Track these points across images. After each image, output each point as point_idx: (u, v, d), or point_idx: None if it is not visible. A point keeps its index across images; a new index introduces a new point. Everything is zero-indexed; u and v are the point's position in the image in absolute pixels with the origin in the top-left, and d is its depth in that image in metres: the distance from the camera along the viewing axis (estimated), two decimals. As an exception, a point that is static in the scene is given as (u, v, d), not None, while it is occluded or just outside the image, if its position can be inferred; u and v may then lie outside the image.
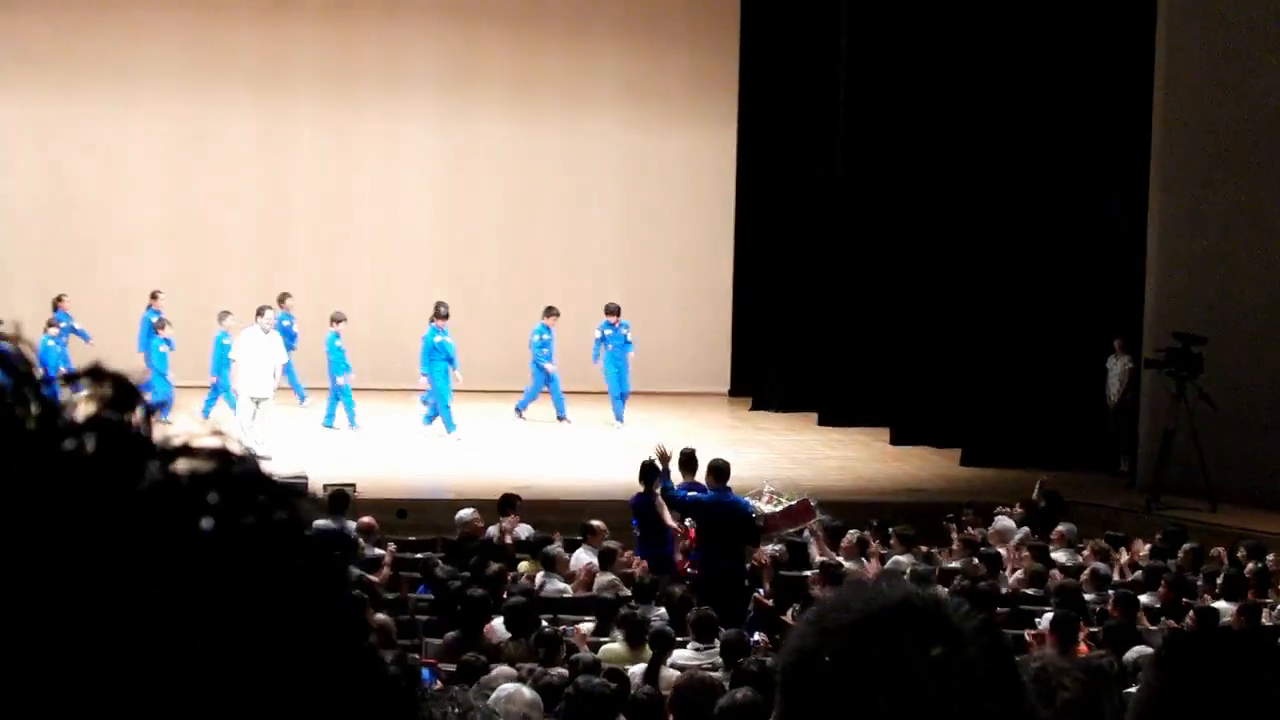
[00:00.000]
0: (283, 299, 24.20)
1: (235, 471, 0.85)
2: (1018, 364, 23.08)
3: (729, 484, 16.05)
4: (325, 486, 17.30)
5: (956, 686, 1.73)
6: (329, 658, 0.85)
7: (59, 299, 24.70)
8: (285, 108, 28.19)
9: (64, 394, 0.85)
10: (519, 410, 25.62)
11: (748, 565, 15.61)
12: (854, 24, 25.68)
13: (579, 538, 16.29)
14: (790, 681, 1.82)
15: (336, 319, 24.31)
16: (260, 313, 22.12)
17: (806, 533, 16.67)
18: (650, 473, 16.30)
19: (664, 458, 15.89)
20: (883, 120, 25.06)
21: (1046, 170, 23.23)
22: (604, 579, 14.88)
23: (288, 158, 28.23)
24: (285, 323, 23.90)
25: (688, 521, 16.07)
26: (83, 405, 0.84)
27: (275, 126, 28.15)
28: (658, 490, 15.96)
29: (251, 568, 0.83)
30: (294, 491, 0.87)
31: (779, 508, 16.59)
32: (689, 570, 15.88)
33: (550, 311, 25.35)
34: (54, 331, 23.71)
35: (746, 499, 16.24)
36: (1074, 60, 22.96)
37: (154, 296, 24.87)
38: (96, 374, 0.86)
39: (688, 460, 16.55)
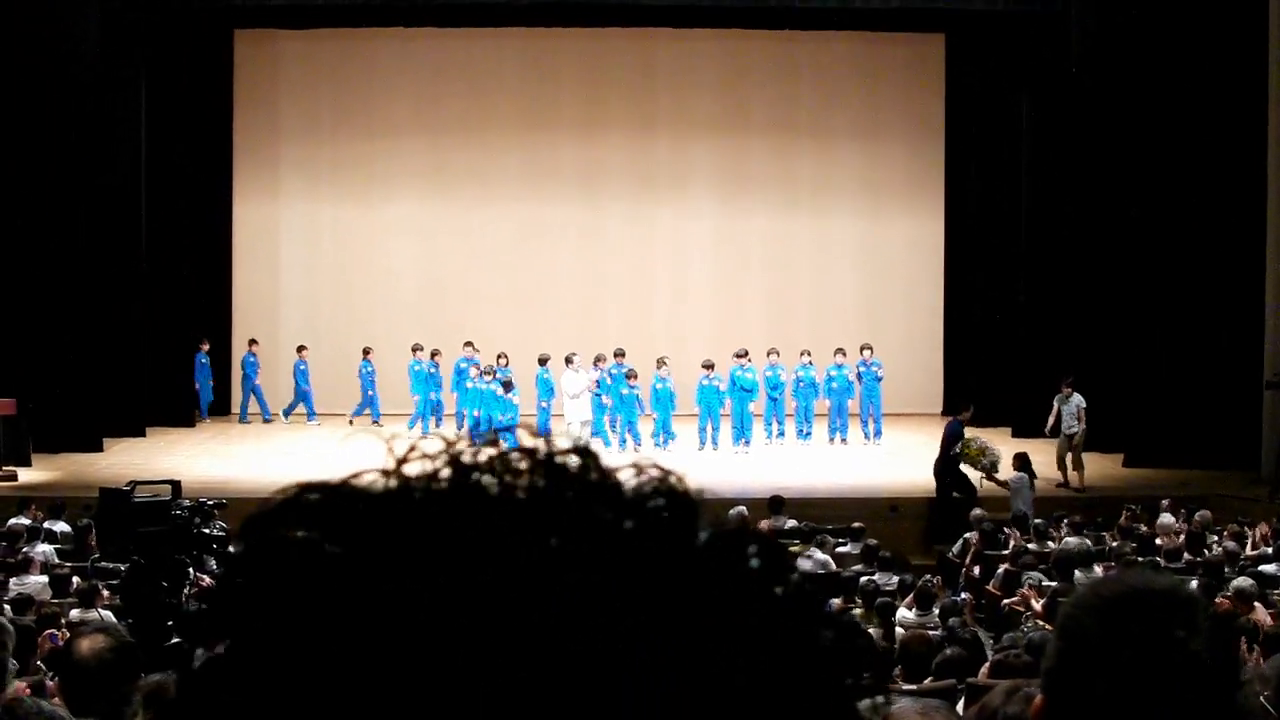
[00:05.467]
0: (610, 353, 24.32)
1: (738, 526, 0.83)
2: (1166, 384, 23.26)
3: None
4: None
5: (1180, 669, 1.71)
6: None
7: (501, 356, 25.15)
8: (599, 203, 29.64)
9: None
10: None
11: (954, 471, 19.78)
12: (1032, 129, 26.55)
13: (835, 529, 17.43)
14: (1064, 630, 1.82)
15: (707, 365, 24.76)
16: (569, 360, 23.30)
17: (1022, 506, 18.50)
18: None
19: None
20: (1058, 200, 25.44)
21: (1181, 219, 23.09)
22: (857, 566, 15.81)
23: (600, 242, 29.65)
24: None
25: None
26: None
27: (591, 218, 29.61)
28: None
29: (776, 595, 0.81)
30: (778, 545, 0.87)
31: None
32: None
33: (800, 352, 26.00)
34: (476, 374, 24.93)
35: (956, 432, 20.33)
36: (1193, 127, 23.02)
37: (499, 357, 25.25)
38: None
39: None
